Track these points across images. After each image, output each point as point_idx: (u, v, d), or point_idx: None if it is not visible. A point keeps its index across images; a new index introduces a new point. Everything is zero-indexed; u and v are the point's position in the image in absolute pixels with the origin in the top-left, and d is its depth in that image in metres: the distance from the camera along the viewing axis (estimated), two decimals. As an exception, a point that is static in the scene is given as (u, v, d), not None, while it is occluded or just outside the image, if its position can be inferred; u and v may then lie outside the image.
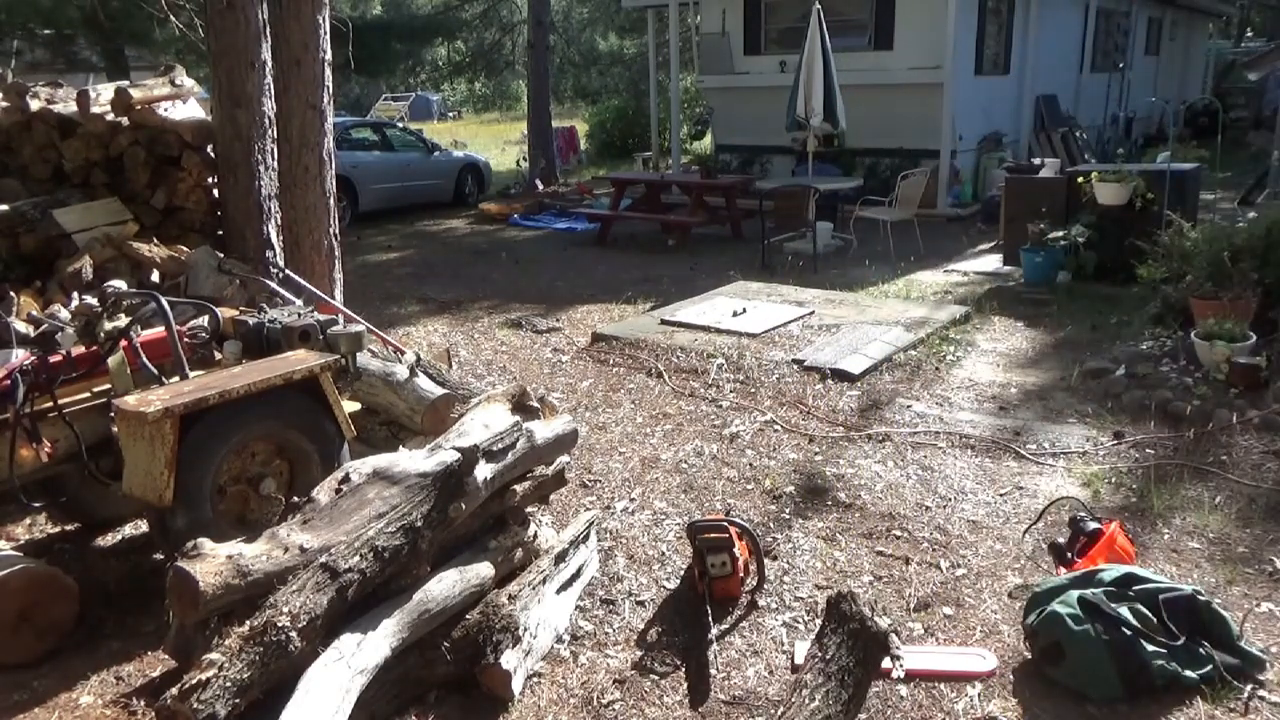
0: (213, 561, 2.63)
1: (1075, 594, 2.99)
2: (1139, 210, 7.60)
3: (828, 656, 2.64)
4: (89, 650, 3.21)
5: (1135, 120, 17.08)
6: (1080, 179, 8.09)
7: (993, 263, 9.15)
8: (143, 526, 3.91)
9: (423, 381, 4.36)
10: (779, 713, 2.53)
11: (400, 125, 17.83)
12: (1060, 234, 7.83)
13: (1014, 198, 8.77)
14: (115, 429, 3.29)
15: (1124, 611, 2.93)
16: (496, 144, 23.28)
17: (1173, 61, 19.78)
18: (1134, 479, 4.36)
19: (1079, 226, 7.79)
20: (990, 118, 12.95)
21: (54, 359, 3.49)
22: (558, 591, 3.33)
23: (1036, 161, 10.77)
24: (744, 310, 7.06)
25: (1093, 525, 3.50)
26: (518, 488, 3.47)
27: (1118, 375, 5.59)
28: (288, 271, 5.40)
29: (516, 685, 2.93)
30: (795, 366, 5.93)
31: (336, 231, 5.94)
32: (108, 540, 4.02)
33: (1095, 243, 7.73)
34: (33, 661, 3.13)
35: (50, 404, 3.41)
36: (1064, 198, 8.20)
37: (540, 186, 15.19)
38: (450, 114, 36.86)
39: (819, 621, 2.84)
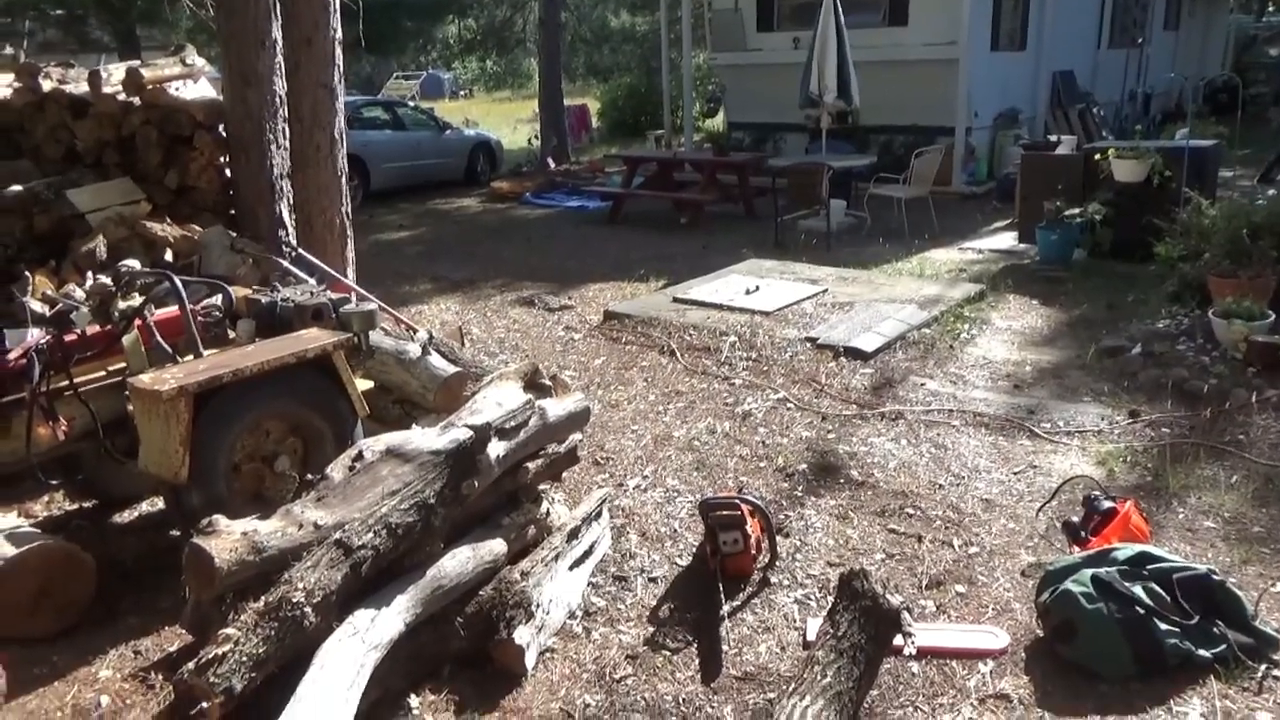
0: (228, 538, 2.65)
1: (1089, 572, 2.98)
2: (1157, 187, 7.51)
3: (840, 633, 2.65)
4: (107, 625, 3.25)
5: (1154, 97, 16.84)
6: (1097, 156, 8.00)
7: (1008, 240, 9.08)
8: (159, 504, 3.94)
9: (435, 360, 4.37)
10: (791, 688, 2.53)
11: (412, 104, 17.78)
12: (1076, 211, 7.74)
13: (1030, 175, 8.68)
14: (130, 407, 3.32)
15: (1138, 590, 2.92)
16: (508, 122, 23.20)
17: (1192, 37, 19.46)
18: (1149, 458, 4.34)
19: (1095, 204, 7.70)
20: (1006, 94, 12.79)
21: (69, 338, 3.51)
22: (570, 568, 3.34)
23: (1053, 138, 10.64)
24: (757, 288, 7.03)
25: (1107, 504, 3.49)
26: (530, 465, 3.47)
27: (1134, 354, 5.55)
28: (300, 250, 5.41)
29: (530, 660, 2.95)
30: (808, 344, 5.91)
31: (348, 210, 5.94)
32: (124, 517, 4.05)
33: (1112, 220, 7.65)
34: (51, 637, 3.16)
35: (66, 382, 3.43)
36: (1080, 175, 8.11)
37: (552, 165, 15.14)
38: (462, 92, 36.73)
39: (831, 599, 2.84)
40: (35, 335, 3.44)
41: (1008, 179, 10.71)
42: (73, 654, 3.11)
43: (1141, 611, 2.86)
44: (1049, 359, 5.74)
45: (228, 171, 5.53)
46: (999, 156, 12.33)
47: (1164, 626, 2.85)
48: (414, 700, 2.80)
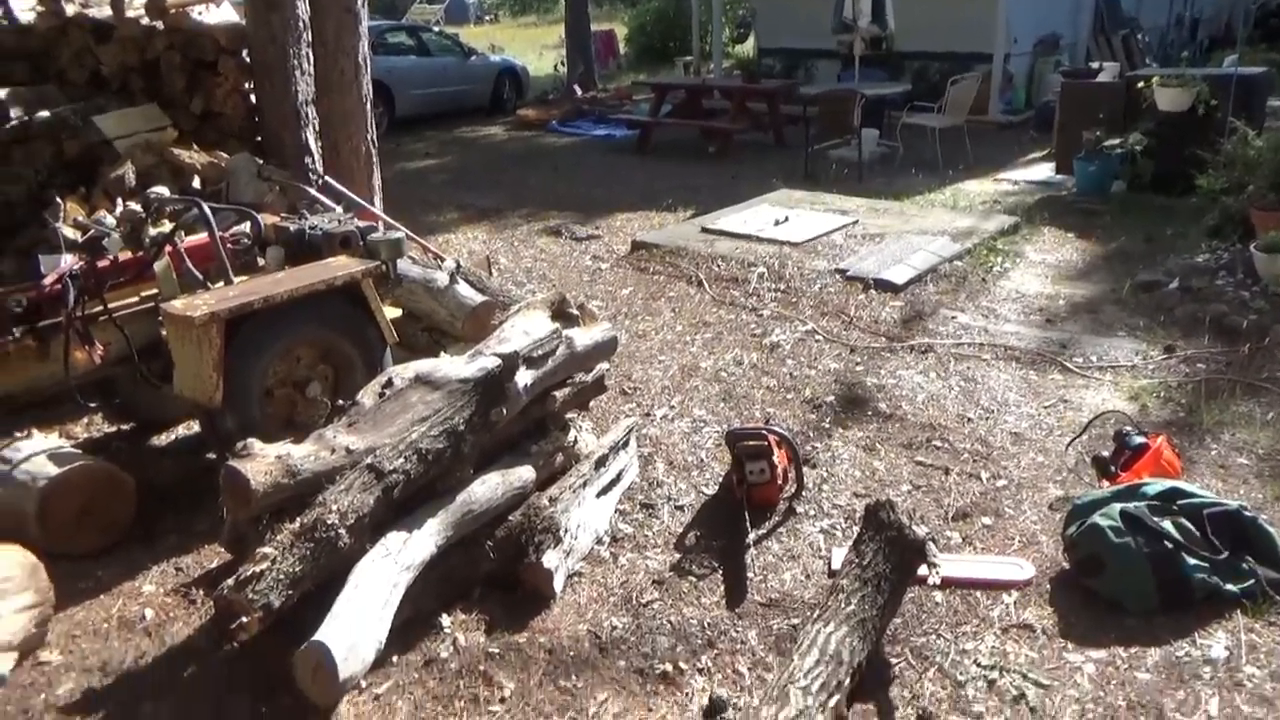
0: (263, 461, 2.70)
1: (1117, 507, 2.97)
2: (1201, 117, 7.26)
3: (864, 563, 2.67)
4: (148, 544, 3.34)
5: (1201, 22, 16.19)
6: (1140, 84, 7.73)
7: (1044, 172, 8.87)
8: (195, 427, 4.01)
9: (463, 288, 4.38)
10: (815, 614, 2.56)
11: (436, 29, 17.49)
12: (1117, 142, 7.53)
13: (1069, 104, 8.43)
14: (164, 332, 3.35)
15: (1167, 525, 2.91)
16: (534, 48, 22.77)
17: (1246, -43, 18.62)
18: (1184, 394, 4.29)
19: (1137, 134, 7.47)
20: (1046, 19, 12.34)
21: (102, 264, 3.54)
22: (598, 495, 3.38)
23: (1094, 65, 10.32)
24: (786, 219, 6.95)
25: (1138, 439, 3.45)
26: (558, 394, 3.49)
27: (1171, 288, 5.44)
28: (327, 178, 5.39)
29: (558, 583, 3.00)
30: (838, 276, 5.85)
31: (374, 137, 5.89)
32: (162, 440, 4.13)
33: (1153, 151, 7.42)
34: (95, 554, 3.26)
35: (100, 308, 3.47)
36: (1122, 104, 7.86)
37: (579, 92, 14.88)
38: (486, 17, 36.02)
39: (857, 529, 2.85)
40: (69, 261, 3.47)
41: (1046, 108, 10.41)
42: (116, 570, 3.20)
43: (1170, 546, 2.86)
44: (1083, 293, 5.65)
45: (252, 97, 5.49)
46: (1038, 84, 11.98)
47: (1192, 561, 2.84)
48: (445, 619, 2.87)
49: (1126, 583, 2.85)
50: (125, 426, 4.15)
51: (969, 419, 4.13)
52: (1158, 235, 6.59)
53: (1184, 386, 4.35)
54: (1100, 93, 8.25)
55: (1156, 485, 3.10)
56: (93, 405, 3.77)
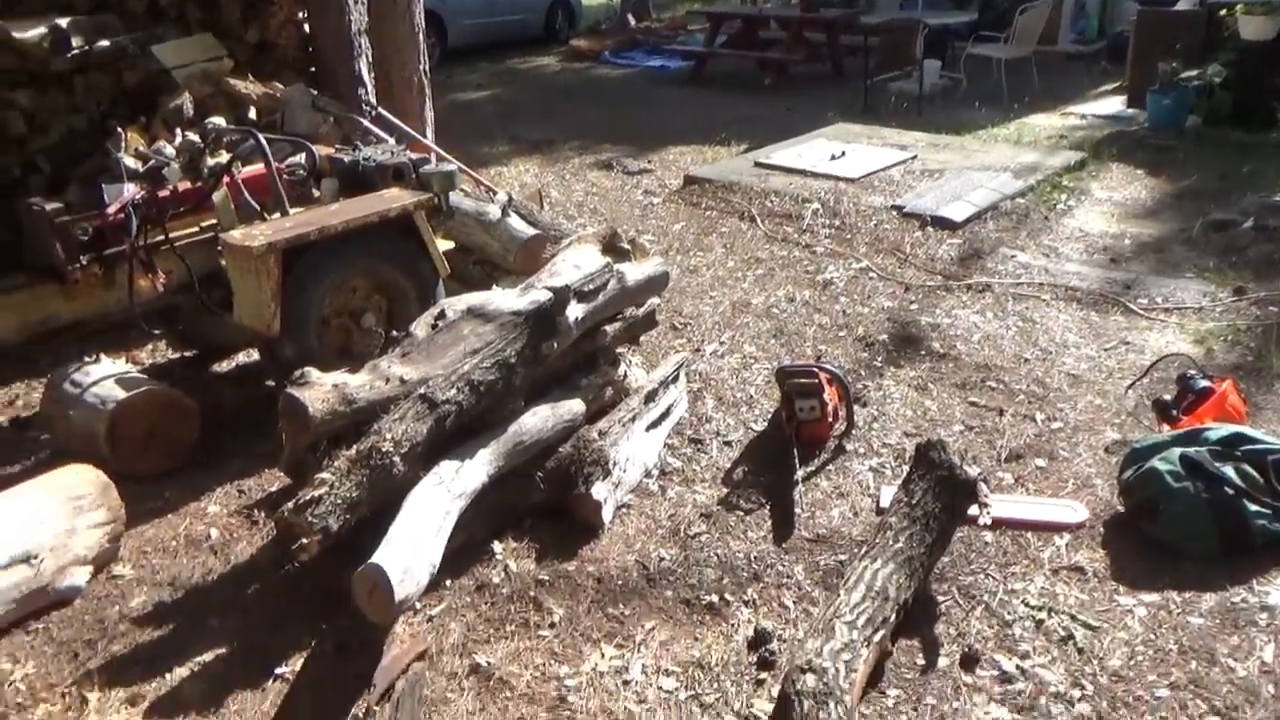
0: (320, 389, 2.75)
1: (1177, 451, 2.91)
2: (1288, 47, 6.90)
3: (914, 501, 2.66)
4: (211, 467, 3.46)
5: (1294, -56, 15.27)
6: (1223, 12, 7.36)
7: (1115, 105, 8.52)
8: (255, 355, 4.11)
9: (515, 222, 4.37)
10: (862, 551, 2.57)
11: (488, -43, 17.16)
12: (1194, 74, 7.18)
13: (1145, 33, 8.05)
14: (223, 262, 3.42)
15: (1228, 471, 2.84)
16: (586, -23, 22.34)
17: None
18: (1253, 337, 4.15)
19: (1216, 65, 7.12)
20: (1125, -58, 11.73)
21: (163, 194, 3.60)
22: (647, 429, 3.40)
23: (1174, -9, 9.80)
24: (843, 153, 6.79)
25: (1203, 383, 3.36)
26: (608, 328, 3.50)
27: (1245, 228, 5.23)
28: (380, 109, 5.38)
29: (606, 514, 3.05)
30: (894, 213, 5.72)
31: (426, 68, 5.85)
32: (223, 366, 4.24)
33: (1232, 83, 7.08)
34: (162, 475, 3.38)
35: (162, 237, 3.54)
36: (1202, 33, 7.50)
37: (632, 22, 14.57)
38: (539, -55, 35.33)
39: (906, 468, 2.84)
40: (131, 190, 3.53)
41: (1120, 38, 9.94)
42: (182, 491, 3.33)
43: (1230, 492, 2.79)
44: (1151, 232, 5.46)
45: (307, 27, 5.47)
46: (1111, 13, 11.41)
47: (1253, 507, 2.78)
48: (497, 546, 2.94)
49: (1184, 528, 2.80)
50: (188, 353, 4.26)
51: (1026, 360, 4.05)
52: (1233, 172, 6.31)
53: (1253, 330, 4.21)
54: (1179, 21, 7.87)
55: (1219, 430, 3.02)
56: (157, 332, 3.88)
